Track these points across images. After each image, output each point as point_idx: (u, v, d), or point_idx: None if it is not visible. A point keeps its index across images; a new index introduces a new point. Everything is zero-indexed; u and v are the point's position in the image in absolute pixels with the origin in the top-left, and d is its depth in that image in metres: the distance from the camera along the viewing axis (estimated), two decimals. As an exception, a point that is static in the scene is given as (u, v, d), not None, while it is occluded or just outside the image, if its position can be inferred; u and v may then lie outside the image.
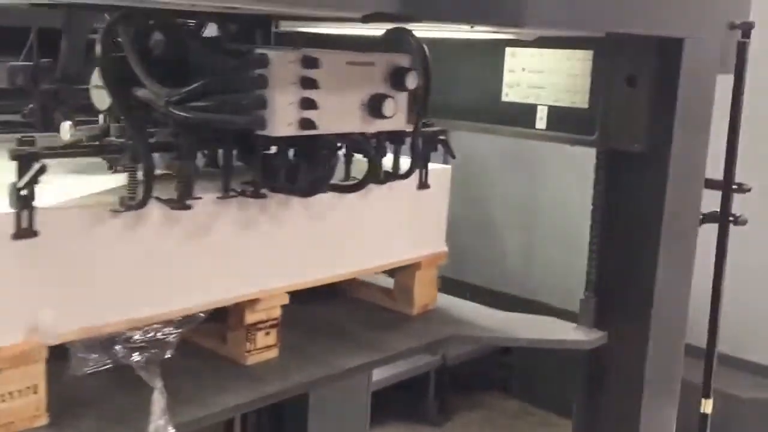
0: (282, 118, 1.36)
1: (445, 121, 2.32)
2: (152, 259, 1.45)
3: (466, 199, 5.01)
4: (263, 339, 1.70)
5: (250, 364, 1.67)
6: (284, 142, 1.45)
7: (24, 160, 1.24)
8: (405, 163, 1.84)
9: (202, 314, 1.57)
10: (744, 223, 2.17)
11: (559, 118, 2.09)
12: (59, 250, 1.32)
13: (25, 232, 1.27)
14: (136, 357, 1.44)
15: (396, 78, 1.51)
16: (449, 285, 2.17)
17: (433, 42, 2.29)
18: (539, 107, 2.11)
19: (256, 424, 2.58)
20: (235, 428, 2.29)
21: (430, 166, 2.01)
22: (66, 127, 1.43)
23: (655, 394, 1.98)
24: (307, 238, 1.72)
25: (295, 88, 1.36)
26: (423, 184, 1.96)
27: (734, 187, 2.16)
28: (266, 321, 1.70)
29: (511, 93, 2.18)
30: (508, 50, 2.17)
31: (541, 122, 2.12)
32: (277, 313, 1.71)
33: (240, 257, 1.60)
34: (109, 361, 1.45)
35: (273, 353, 1.72)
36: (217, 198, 1.52)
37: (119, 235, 1.39)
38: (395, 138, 1.80)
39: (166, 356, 1.49)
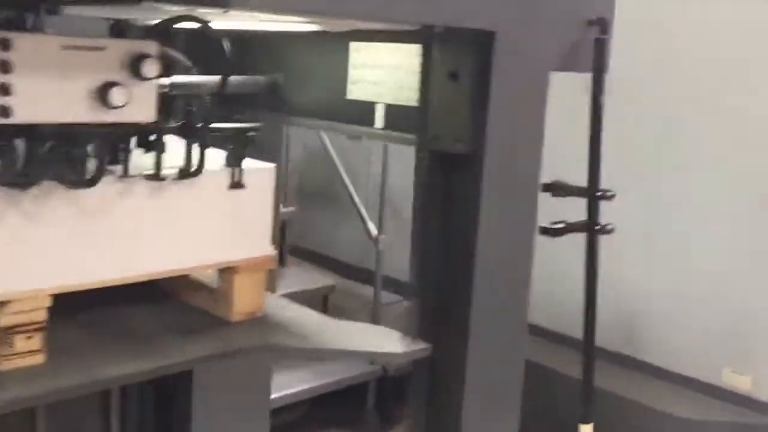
0: (-30, 104, 1.26)
1: (292, 118, 2.22)
2: None
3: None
4: (24, 343, 1.60)
5: (5, 369, 1.58)
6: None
7: None
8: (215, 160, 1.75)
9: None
10: (610, 231, 2.03)
11: (396, 117, 1.96)
12: None
13: None
14: None
15: (134, 66, 1.41)
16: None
17: (284, 36, 2.22)
18: (378, 105, 2.00)
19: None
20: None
21: (251, 164, 1.91)
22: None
23: (481, 407, 1.84)
24: (76, 237, 1.63)
25: (-14, 72, 1.27)
26: (236, 184, 1.85)
27: (598, 194, 2.02)
28: (28, 324, 1.60)
29: (354, 90, 2.06)
30: (352, 45, 2.05)
31: (379, 121, 2.00)
32: (42, 316, 1.61)
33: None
34: None
35: (37, 359, 1.62)
36: (-56, 190, 1.43)
37: None
38: (186, 132, 1.71)
39: None
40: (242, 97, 2.32)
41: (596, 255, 2.02)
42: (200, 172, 1.73)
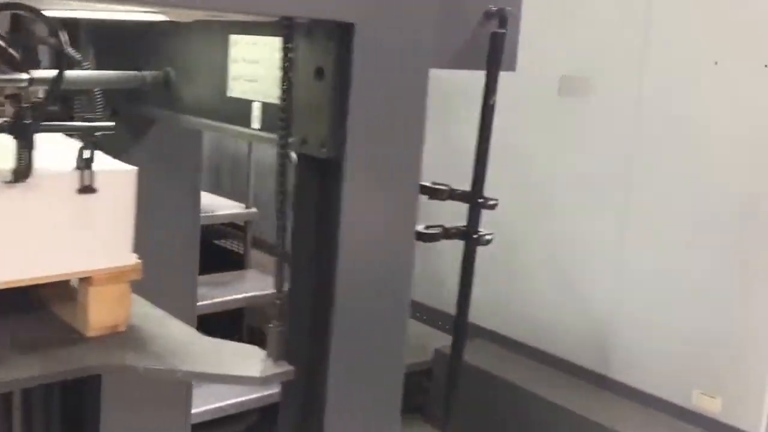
0: None
1: (181, 116, 2.07)
2: None
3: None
4: None
5: None
6: None
7: None
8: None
9: None
10: (487, 242, 1.86)
11: (271, 117, 1.79)
12: None
13: None
14: None
15: None
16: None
17: (178, 27, 2.05)
18: (254, 104, 1.83)
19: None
20: None
21: (108, 167, 1.75)
22: None
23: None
24: None
25: None
26: (86, 188, 1.69)
27: (480, 201, 1.85)
28: None
29: (234, 87, 1.90)
30: (232, 38, 1.89)
31: (255, 122, 1.83)
32: None
33: None
34: None
35: None
36: None
37: None
38: (15, 131, 1.56)
39: None
40: (135, 94, 2.18)
41: (473, 263, 1.85)
42: (28, 174, 1.57)
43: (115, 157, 1.86)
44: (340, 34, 1.54)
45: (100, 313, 1.78)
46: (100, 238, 1.74)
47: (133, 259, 1.81)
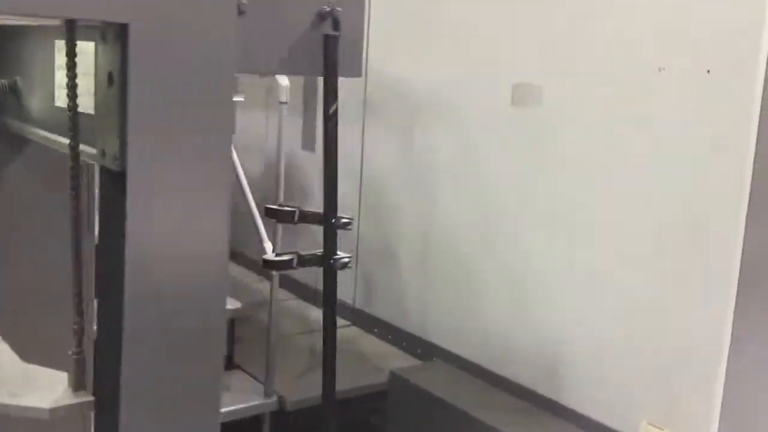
0: None
1: (25, 128, 1.96)
2: None
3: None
4: None
5: None
6: None
7: None
8: None
9: None
10: (343, 266, 1.72)
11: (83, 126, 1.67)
12: None
13: None
14: None
15: None
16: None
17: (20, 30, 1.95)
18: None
19: None
20: None
21: None
22: None
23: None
24: None
25: None
26: None
27: (334, 221, 1.71)
28: None
29: (58, 95, 1.78)
30: (57, 44, 1.78)
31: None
32: None
33: None
34: None
35: None
36: None
37: None
38: None
39: None
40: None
41: (334, 290, 1.71)
42: None
43: None
44: (122, 37, 1.41)
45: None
46: None
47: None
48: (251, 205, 3.22)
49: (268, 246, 3.39)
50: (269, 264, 1.66)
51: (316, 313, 4.87)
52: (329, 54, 1.66)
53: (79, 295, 1.54)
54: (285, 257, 1.68)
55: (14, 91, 2.02)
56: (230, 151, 1.53)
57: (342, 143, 4.21)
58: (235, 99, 2.29)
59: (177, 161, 1.48)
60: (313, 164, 5.09)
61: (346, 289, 4.99)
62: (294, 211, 1.72)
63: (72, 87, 1.47)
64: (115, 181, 1.50)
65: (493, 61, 3.86)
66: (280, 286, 4.08)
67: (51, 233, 2.34)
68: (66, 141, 1.74)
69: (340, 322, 4.43)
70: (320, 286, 5.06)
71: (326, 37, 1.66)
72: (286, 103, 3.31)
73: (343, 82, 4.14)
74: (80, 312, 1.55)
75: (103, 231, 1.58)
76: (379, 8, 4.24)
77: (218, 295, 1.57)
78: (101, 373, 1.56)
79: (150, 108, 1.43)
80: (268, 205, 1.65)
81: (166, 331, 1.52)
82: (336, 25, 1.66)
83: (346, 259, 1.70)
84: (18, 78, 2.02)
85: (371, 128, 4.72)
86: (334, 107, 1.66)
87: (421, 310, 4.50)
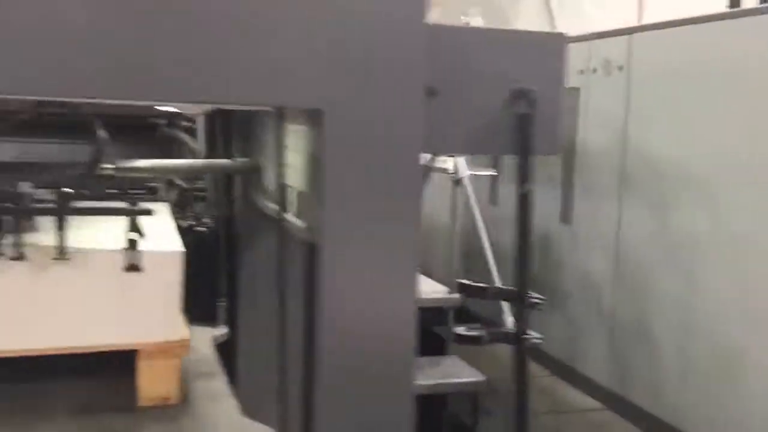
0: None
1: (259, 199, 2.17)
2: None
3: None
4: None
5: None
6: None
7: None
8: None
9: None
10: (535, 346, 1.71)
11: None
12: None
13: None
14: None
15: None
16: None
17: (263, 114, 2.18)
18: (290, 190, 1.88)
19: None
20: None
21: (154, 248, 1.90)
22: None
23: None
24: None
25: None
26: (132, 267, 1.85)
27: (527, 301, 1.72)
28: None
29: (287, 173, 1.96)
30: (288, 126, 1.97)
31: (293, 207, 1.88)
32: None
33: None
34: None
35: None
36: None
37: None
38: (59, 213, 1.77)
39: None
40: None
41: (525, 369, 1.68)
42: (65, 254, 1.76)
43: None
44: (319, 121, 1.54)
45: (151, 384, 1.91)
46: (146, 314, 1.88)
47: (179, 335, 1.92)
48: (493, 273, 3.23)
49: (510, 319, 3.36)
50: (460, 338, 1.68)
51: (570, 392, 4.69)
52: (523, 133, 1.66)
53: (283, 356, 1.66)
54: (474, 333, 1.68)
55: (257, 169, 2.25)
56: (417, 226, 1.58)
57: (595, 215, 4.08)
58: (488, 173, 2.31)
59: (369, 235, 1.56)
60: (569, 236, 4.99)
61: (597, 367, 4.76)
62: (486, 288, 1.72)
63: (281, 165, 1.62)
64: (314, 252, 1.61)
65: (755, 137, 3.58)
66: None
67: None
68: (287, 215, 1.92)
69: (591, 404, 4.26)
70: (571, 363, 4.87)
71: (520, 116, 1.67)
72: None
73: (598, 155, 4.02)
74: (283, 373, 1.67)
75: (308, 297, 1.69)
76: (639, 82, 4.14)
77: (406, 363, 1.61)
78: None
79: (343, 185, 1.53)
80: (460, 281, 1.67)
81: (359, 398, 1.58)
82: (531, 104, 1.67)
83: (538, 340, 1.66)
84: (260, 158, 2.25)
85: (628, 202, 4.55)
86: (527, 187, 1.65)
87: (677, 397, 4.18)
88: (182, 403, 1.93)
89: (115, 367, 2.04)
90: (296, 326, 1.81)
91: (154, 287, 1.88)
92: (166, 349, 1.91)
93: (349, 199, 1.54)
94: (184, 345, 1.93)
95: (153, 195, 2.17)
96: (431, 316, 4.98)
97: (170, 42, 1.42)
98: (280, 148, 1.61)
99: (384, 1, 1.50)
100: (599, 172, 4.41)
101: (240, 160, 2.27)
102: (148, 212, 1.84)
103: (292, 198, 1.90)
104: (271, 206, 2.14)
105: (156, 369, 1.91)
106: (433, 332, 5.03)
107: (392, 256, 1.58)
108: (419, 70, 1.54)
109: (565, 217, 5.25)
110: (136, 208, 1.84)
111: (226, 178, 2.39)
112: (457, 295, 4.67)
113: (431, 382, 4.24)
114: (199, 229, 2.32)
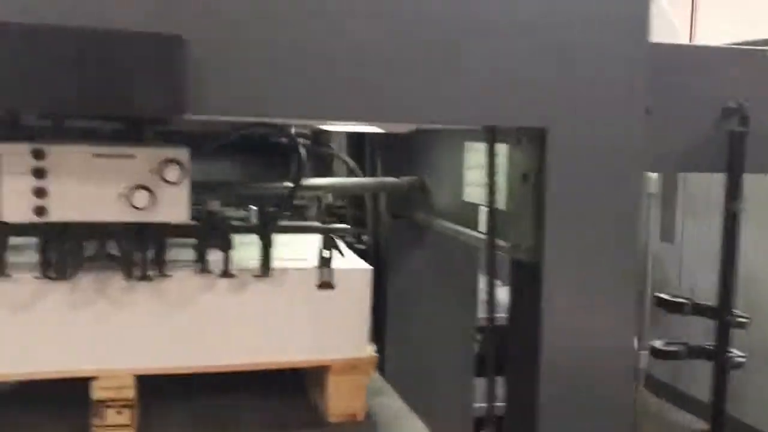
0: (12, 205, 1.50)
1: (432, 219, 2.20)
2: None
3: None
4: (114, 417, 1.79)
5: (96, 439, 1.78)
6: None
7: None
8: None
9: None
10: (738, 366, 1.69)
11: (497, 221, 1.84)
12: None
13: None
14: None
15: (161, 171, 1.55)
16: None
17: (425, 134, 2.22)
18: (480, 208, 1.89)
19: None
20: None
21: (347, 265, 1.93)
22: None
23: None
24: (157, 324, 1.79)
25: (26, 178, 1.49)
26: (325, 284, 1.88)
27: (730, 318, 1.71)
28: (117, 400, 1.79)
29: (468, 191, 1.98)
30: (466, 145, 1.99)
31: (482, 225, 1.89)
32: (130, 394, 1.79)
33: (70, 335, 1.74)
34: None
35: (127, 433, 1.79)
36: (35, 277, 1.69)
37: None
38: (260, 232, 1.81)
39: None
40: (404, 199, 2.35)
41: (724, 388, 1.66)
42: (268, 271, 1.80)
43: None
44: (538, 140, 1.55)
45: (340, 401, 1.92)
46: (338, 331, 1.90)
47: (368, 352, 1.94)
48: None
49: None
50: (657, 353, 1.67)
51: (679, 416, 4.63)
52: (735, 150, 1.66)
53: (491, 387, 1.66)
54: (672, 348, 1.67)
55: (422, 188, 2.27)
56: (637, 245, 1.58)
57: (708, 232, 4.04)
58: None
59: (589, 254, 1.56)
60: (671, 256, 4.94)
61: (704, 386, 4.68)
62: (685, 303, 1.71)
63: (491, 186, 1.63)
64: (528, 272, 1.62)
65: None
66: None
67: (437, 310, 2.56)
68: (472, 233, 1.93)
69: (701, 426, 4.19)
70: (680, 385, 4.78)
71: (732, 133, 1.66)
72: (653, 194, 3.29)
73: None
74: (491, 403, 1.67)
75: (515, 315, 1.70)
76: None
77: (626, 383, 1.61)
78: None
79: (564, 204, 1.54)
80: (658, 294, 1.67)
81: (580, 417, 1.58)
82: (744, 121, 1.66)
83: (741, 359, 1.65)
84: (425, 176, 2.27)
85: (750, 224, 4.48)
86: (736, 205, 1.64)
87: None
88: (368, 420, 1.95)
89: (282, 384, 2.06)
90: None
91: (345, 304, 1.90)
92: (355, 366, 1.92)
93: (569, 218, 1.55)
94: (372, 362, 1.94)
95: (300, 213, 2.20)
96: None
97: (389, 63, 1.44)
98: (491, 168, 1.62)
99: (610, 18, 1.51)
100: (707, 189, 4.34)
101: (405, 179, 2.30)
102: (344, 230, 1.87)
103: (476, 216, 1.92)
104: (444, 224, 2.15)
105: (345, 386, 1.92)
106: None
107: (612, 274, 1.59)
108: (641, 89, 1.54)
109: (666, 235, 5.18)
110: (332, 226, 1.87)
111: (375, 196, 2.41)
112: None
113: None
114: (359, 246, 2.35)
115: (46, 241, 1.67)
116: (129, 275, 1.71)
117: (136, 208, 1.54)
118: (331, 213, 2.04)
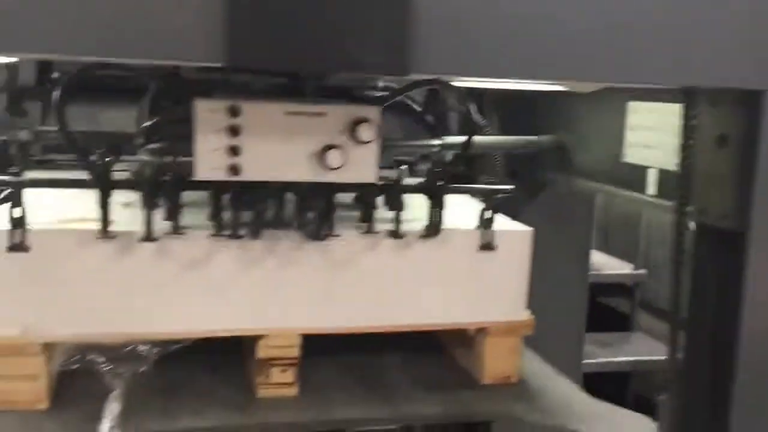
0: (206, 163, 1.45)
1: (574, 179, 2.15)
2: (140, 284, 1.64)
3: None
4: (279, 375, 1.77)
5: (261, 396, 1.76)
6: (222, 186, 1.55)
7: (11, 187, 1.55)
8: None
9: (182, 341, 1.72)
10: None
11: (667, 184, 1.79)
12: (47, 265, 1.59)
13: (17, 246, 1.56)
14: (108, 365, 1.65)
15: (353, 130, 1.50)
16: None
17: (571, 95, 2.15)
18: (649, 171, 1.83)
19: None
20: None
21: (507, 227, 1.88)
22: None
23: None
24: (324, 284, 1.76)
25: (220, 135, 1.45)
26: (486, 245, 1.84)
27: None
28: (282, 358, 1.77)
29: (630, 154, 1.92)
30: (631, 105, 1.92)
31: (651, 187, 1.84)
32: (294, 352, 1.77)
33: (241, 294, 1.71)
34: (85, 362, 1.69)
35: (291, 391, 1.77)
36: (210, 236, 1.66)
37: (106, 258, 1.62)
38: (428, 191, 1.76)
39: (139, 370, 1.67)
40: (530, 158, 2.31)
41: None
42: (438, 232, 1.75)
43: (510, 217, 1.99)
44: (747, 102, 1.48)
45: (495, 363, 1.90)
46: (496, 293, 1.87)
47: (525, 315, 1.90)
48: None
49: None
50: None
51: None
52: None
53: (674, 343, 1.62)
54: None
55: (560, 147, 2.21)
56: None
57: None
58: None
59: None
60: None
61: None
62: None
63: (687, 149, 1.57)
64: (720, 238, 1.56)
65: None
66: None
67: (550, 265, 2.50)
68: (633, 194, 1.87)
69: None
70: None
71: None
72: None
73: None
74: (673, 358, 1.63)
75: (699, 281, 1.65)
76: None
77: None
78: (697, 420, 1.62)
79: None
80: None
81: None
82: None
83: None
84: (564, 135, 2.21)
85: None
86: None
87: None
88: (521, 382, 1.92)
89: (416, 344, 2.04)
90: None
91: (505, 266, 1.86)
92: (512, 329, 1.89)
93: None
94: (529, 325, 1.91)
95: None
96: (617, 292, 4.93)
97: (606, 23, 1.37)
98: (686, 130, 1.56)
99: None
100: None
101: (544, 137, 2.24)
102: (508, 191, 1.82)
103: (642, 177, 1.86)
104: (588, 183, 2.10)
105: (501, 348, 1.89)
106: (617, 309, 4.99)
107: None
108: None
109: None
110: (498, 186, 1.82)
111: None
112: (642, 271, 4.62)
113: (630, 358, 4.20)
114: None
115: (219, 198, 1.63)
116: (305, 235, 1.67)
117: (329, 168, 1.49)
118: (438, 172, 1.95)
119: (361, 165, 1.52)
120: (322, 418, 1.72)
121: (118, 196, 1.62)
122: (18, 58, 1.82)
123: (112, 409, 1.56)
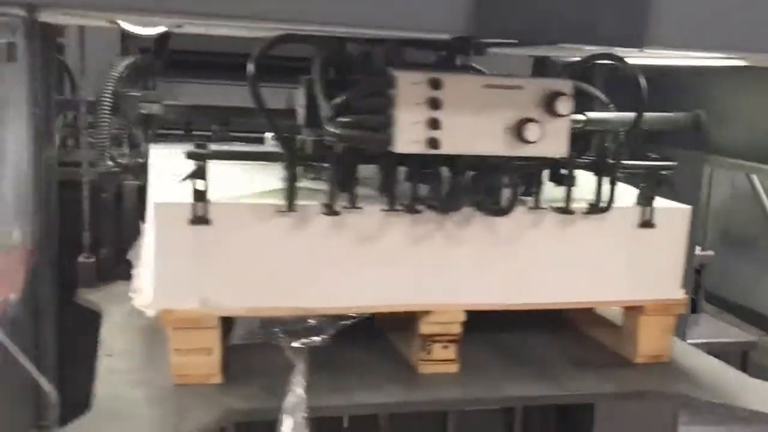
0: (406, 136, 1.44)
1: (714, 157, 2.13)
2: (316, 257, 1.64)
3: None
4: (440, 352, 1.76)
5: (423, 372, 1.75)
6: (419, 160, 1.54)
7: (196, 161, 1.54)
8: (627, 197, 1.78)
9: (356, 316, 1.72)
10: None
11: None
12: (227, 238, 1.59)
13: (199, 219, 1.56)
14: (288, 339, 1.65)
15: (549, 104, 1.48)
16: None
17: (706, 71, 2.12)
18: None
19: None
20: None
21: (664, 204, 1.86)
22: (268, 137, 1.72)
23: None
24: (489, 260, 1.75)
25: (421, 108, 1.43)
26: (646, 223, 1.82)
27: None
28: (444, 335, 1.76)
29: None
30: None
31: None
32: (457, 329, 1.75)
33: (410, 269, 1.70)
34: (266, 337, 1.68)
35: (451, 367, 1.77)
36: (382, 210, 1.65)
37: (285, 232, 1.61)
38: (598, 168, 1.75)
39: (317, 344, 1.67)
40: (660, 135, 2.28)
41: None
42: (609, 208, 1.74)
43: None
44: None
45: (648, 342, 1.88)
46: (653, 271, 1.85)
47: (681, 293, 1.89)
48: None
49: None
50: None
51: None
52: None
53: None
54: None
55: (697, 124, 2.18)
56: None
57: None
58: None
59: None
60: None
61: None
62: None
63: None
64: None
65: None
66: None
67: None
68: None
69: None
70: None
71: None
72: None
73: None
74: None
75: None
76: None
77: None
78: None
79: None
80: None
81: None
82: None
83: None
84: (700, 112, 2.19)
85: None
86: None
87: None
88: (672, 361, 1.91)
89: (556, 323, 2.02)
90: None
91: (663, 244, 1.84)
92: (667, 307, 1.87)
93: None
94: (684, 304, 1.89)
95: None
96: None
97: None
98: None
99: None
100: None
101: (681, 115, 2.21)
102: (671, 167, 1.79)
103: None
104: (729, 161, 2.08)
105: (655, 327, 1.88)
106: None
107: None
108: None
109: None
110: (662, 163, 1.79)
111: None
112: (710, 253, 4.59)
113: (704, 340, 4.17)
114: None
115: (390, 173, 1.62)
116: (492, 210, 1.66)
117: (526, 141, 1.48)
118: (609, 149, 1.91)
119: (554, 139, 1.50)
120: (492, 395, 1.71)
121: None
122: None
123: (298, 382, 1.55)
